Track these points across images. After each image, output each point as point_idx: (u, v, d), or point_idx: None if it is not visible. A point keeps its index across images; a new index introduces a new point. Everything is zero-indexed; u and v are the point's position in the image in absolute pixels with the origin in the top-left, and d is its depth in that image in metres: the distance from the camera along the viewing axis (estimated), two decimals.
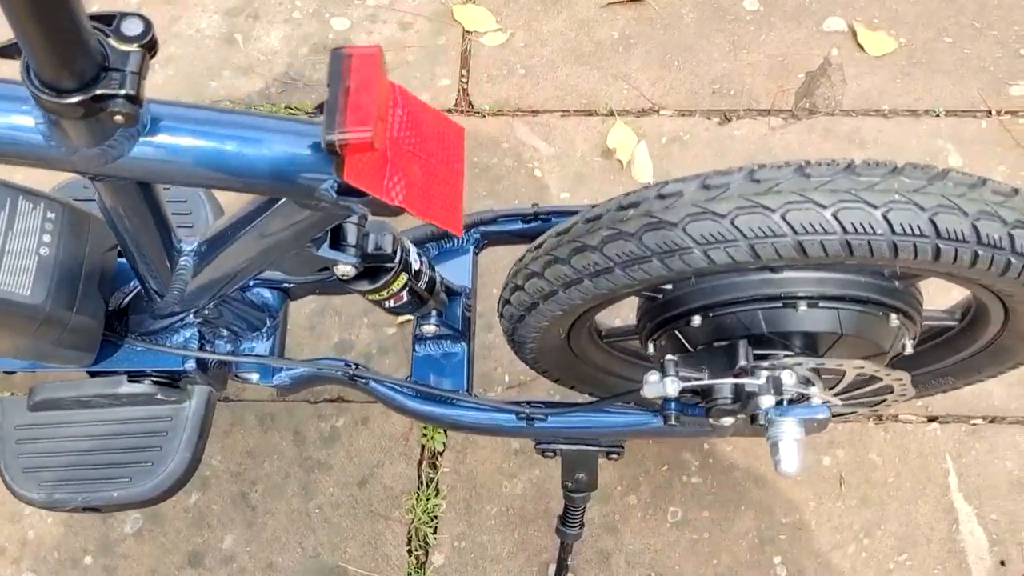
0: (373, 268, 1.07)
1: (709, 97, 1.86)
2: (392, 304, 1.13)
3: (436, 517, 1.52)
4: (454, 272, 1.29)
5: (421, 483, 1.54)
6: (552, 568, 1.45)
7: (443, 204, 0.89)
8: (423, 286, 1.14)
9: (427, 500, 1.52)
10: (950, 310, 1.19)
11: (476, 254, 1.32)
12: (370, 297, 1.11)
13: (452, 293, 1.25)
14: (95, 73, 0.72)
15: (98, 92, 0.72)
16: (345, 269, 1.04)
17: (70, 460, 1.30)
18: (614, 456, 1.25)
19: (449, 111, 1.89)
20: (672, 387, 1.02)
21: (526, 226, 1.29)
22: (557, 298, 1.07)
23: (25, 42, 0.68)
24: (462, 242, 1.31)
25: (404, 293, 1.11)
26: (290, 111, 1.89)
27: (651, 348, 1.18)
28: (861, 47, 1.90)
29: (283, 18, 2.01)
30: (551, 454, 1.26)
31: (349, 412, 1.60)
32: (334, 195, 0.83)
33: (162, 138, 0.81)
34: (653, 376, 1.03)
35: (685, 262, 0.92)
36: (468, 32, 1.98)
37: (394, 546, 1.51)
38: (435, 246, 1.30)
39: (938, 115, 1.82)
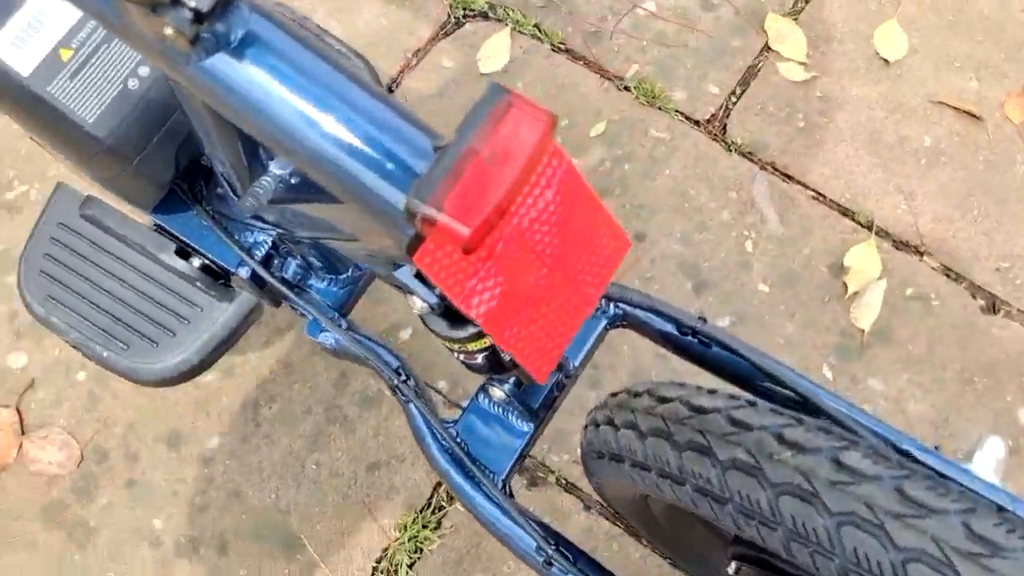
0: (457, 314, 0.82)
1: (988, 272, 1.48)
2: (462, 359, 0.88)
3: (421, 551, 1.30)
4: (572, 341, 1.03)
5: (428, 506, 1.32)
6: None
7: (540, 337, 0.62)
8: (509, 357, 0.88)
9: (422, 528, 1.30)
10: None
11: (607, 330, 1.05)
12: (442, 343, 0.86)
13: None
14: None
15: None
16: (421, 305, 0.79)
17: (85, 293, 1.13)
18: None
19: (696, 123, 1.58)
20: None
21: (679, 335, 1.01)
22: (649, 476, 0.81)
23: None
24: (597, 310, 1.04)
25: (480, 356, 0.86)
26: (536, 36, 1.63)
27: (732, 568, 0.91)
28: None
29: None
30: None
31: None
32: (402, 253, 0.58)
33: (234, 65, 0.57)
34: None
35: (820, 562, 0.65)
36: (769, 49, 1.64)
37: (364, 553, 1.30)
38: None
39: None
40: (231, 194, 0.96)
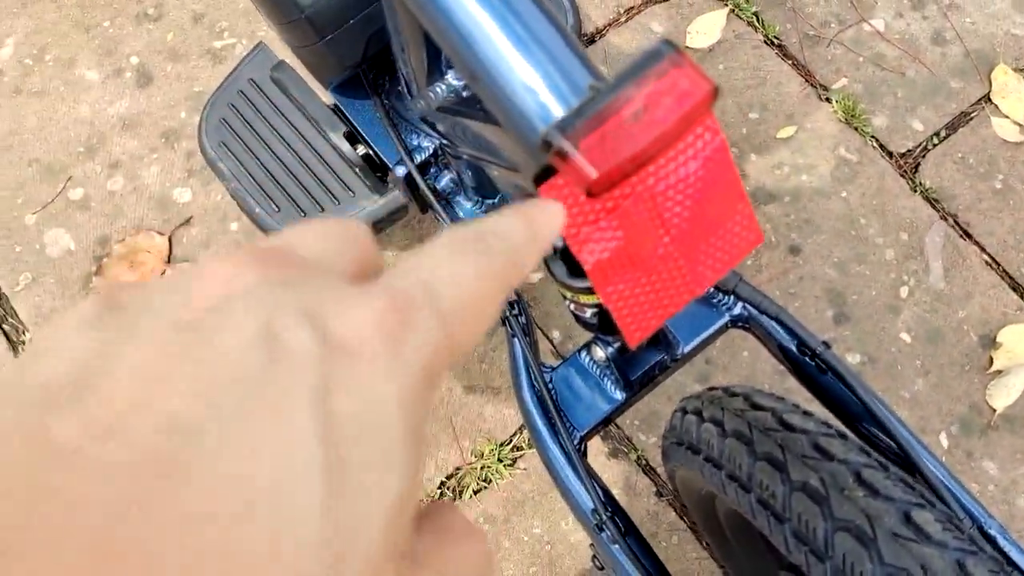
0: (577, 263, 0.83)
1: None
2: (573, 309, 0.89)
3: (489, 481, 1.33)
4: (686, 322, 1.02)
5: (508, 442, 1.35)
6: None
7: (643, 304, 0.63)
8: None
9: (497, 460, 1.33)
10: None
11: (727, 327, 1.04)
12: (558, 287, 0.87)
13: (660, 344, 0.99)
14: None
15: None
16: None
17: (255, 149, 1.19)
18: None
19: (889, 153, 1.52)
20: None
21: (797, 353, 0.99)
22: (719, 475, 0.81)
23: None
24: (724, 302, 1.03)
25: (589, 311, 0.87)
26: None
27: None
28: None
29: None
30: (599, 567, 1.03)
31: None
32: (530, 182, 0.59)
33: None
34: None
35: None
36: (989, 101, 1.55)
37: (438, 466, 1.34)
38: None
39: None
40: (407, 93, 0.99)
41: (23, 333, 1.39)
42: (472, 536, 0.24)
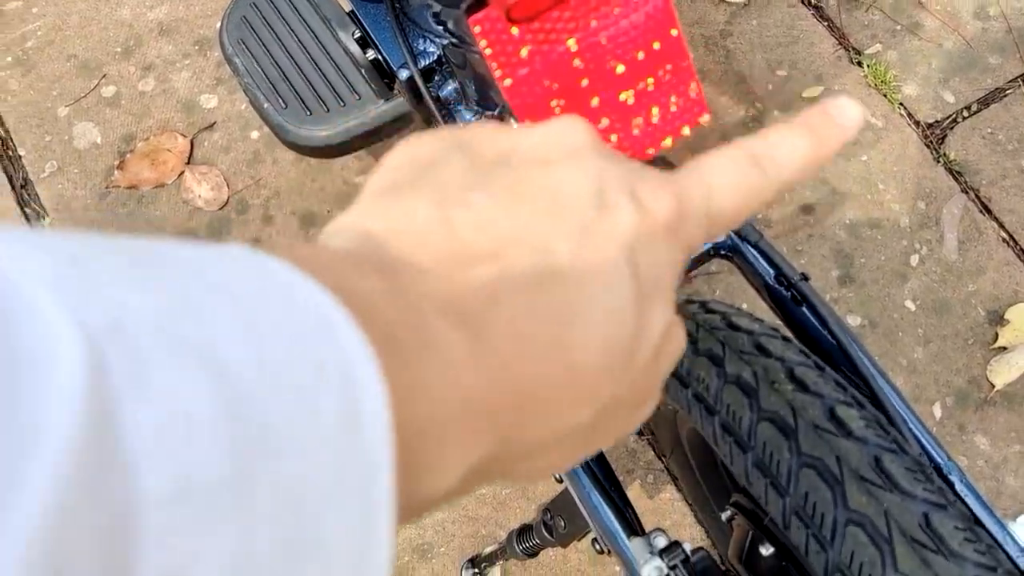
0: None
1: None
2: None
3: None
4: None
5: None
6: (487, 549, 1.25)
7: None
8: None
9: None
10: None
11: (711, 255, 1.03)
12: None
13: None
14: None
15: None
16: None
17: (270, 47, 1.22)
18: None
19: (916, 123, 1.49)
20: None
21: (775, 284, 0.98)
22: (684, 393, 0.79)
23: None
24: None
25: None
26: None
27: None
28: None
29: None
30: (558, 480, 1.03)
31: None
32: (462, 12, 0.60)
33: None
34: None
35: (812, 546, 0.64)
36: None
37: None
38: None
39: None
40: None
41: (43, 218, 1.44)
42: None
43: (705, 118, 0.65)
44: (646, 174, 0.28)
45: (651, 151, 0.65)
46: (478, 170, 0.27)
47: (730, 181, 0.29)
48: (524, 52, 0.57)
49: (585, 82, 0.59)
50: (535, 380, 0.25)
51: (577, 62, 0.58)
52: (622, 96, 0.61)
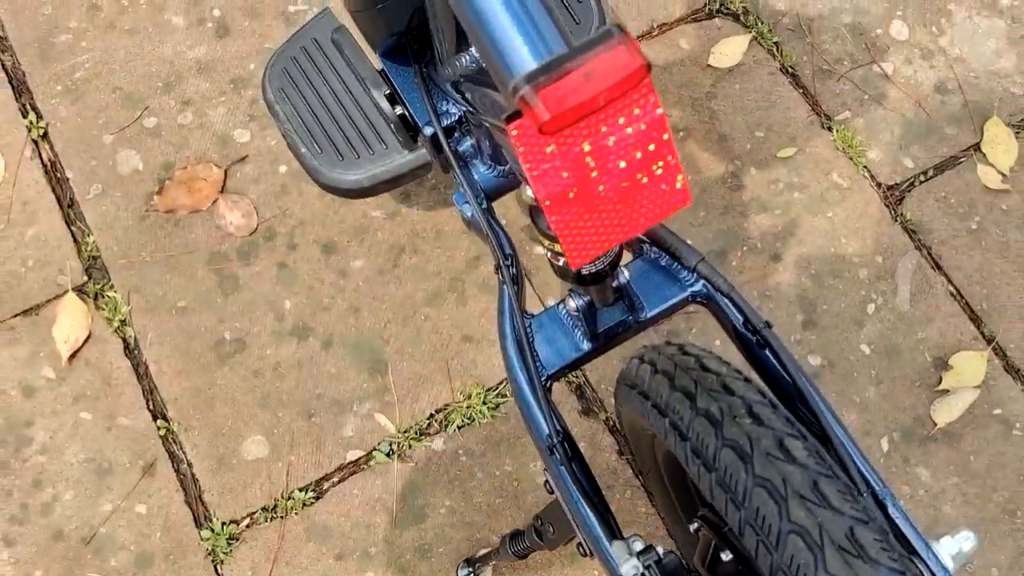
0: None
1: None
2: (549, 258, 1.05)
3: (472, 420, 1.49)
4: (652, 292, 1.18)
5: (495, 388, 1.51)
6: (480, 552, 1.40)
7: (585, 234, 0.79)
8: (588, 270, 1.05)
9: (482, 403, 1.49)
10: None
11: (688, 301, 1.19)
12: (539, 236, 1.04)
13: (623, 303, 1.15)
14: None
15: None
16: (528, 195, 0.97)
17: (308, 98, 1.38)
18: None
19: (878, 184, 1.66)
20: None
21: (742, 329, 1.14)
22: (662, 421, 0.94)
23: None
24: (686, 278, 1.18)
25: (562, 259, 1.03)
26: None
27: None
28: None
29: None
30: (550, 491, 1.19)
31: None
32: (502, 121, 0.75)
33: None
34: None
35: (761, 551, 0.79)
36: (978, 149, 1.69)
37: (430, 400, 1.51)
38: (657, 252, 1.18)
39: None
40: (438, 60, 1.17)
41: (88, 235, 1.59)
42: None
43: (681, 204, 0.81)
44: None
45: (644, 226, 0.81)
46: None
47: None
48: (548, 149, 0.73)
49: (595, 174, 0.75)
50: None
51: (589, 160, 0.74)
52: (623, 184, 0.77)
